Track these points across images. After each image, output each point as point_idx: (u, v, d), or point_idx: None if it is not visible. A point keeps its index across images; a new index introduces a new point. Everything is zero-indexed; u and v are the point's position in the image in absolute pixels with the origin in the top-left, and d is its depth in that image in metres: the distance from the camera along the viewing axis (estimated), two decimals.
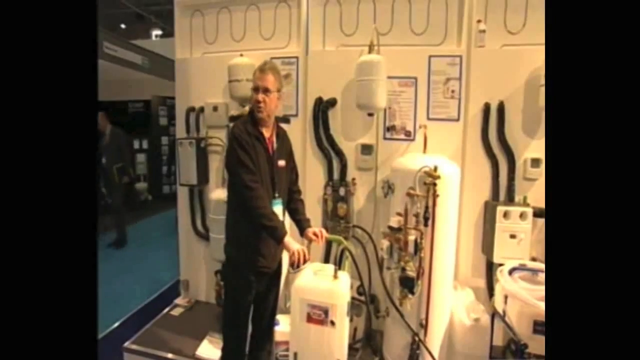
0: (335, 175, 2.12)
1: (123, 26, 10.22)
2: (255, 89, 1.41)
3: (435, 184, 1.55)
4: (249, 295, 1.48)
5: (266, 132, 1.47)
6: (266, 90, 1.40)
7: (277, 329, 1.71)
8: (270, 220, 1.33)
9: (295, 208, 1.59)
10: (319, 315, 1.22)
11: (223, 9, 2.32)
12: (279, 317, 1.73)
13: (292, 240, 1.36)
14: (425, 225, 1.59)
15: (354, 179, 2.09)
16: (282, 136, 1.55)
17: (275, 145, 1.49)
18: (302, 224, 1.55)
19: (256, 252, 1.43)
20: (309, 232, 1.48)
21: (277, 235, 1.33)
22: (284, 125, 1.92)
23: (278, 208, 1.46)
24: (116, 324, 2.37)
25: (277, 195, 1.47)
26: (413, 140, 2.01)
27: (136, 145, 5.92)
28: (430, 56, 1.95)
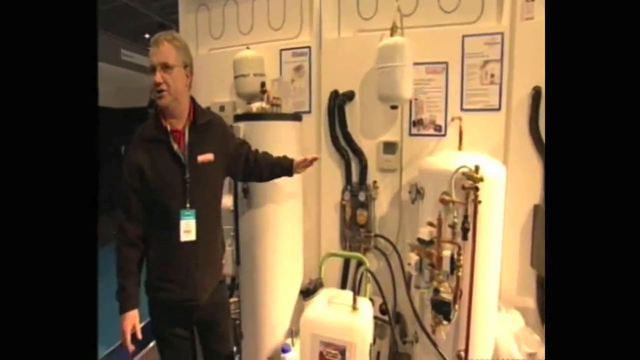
0: (354, 178, 1.88)
1: (147, 36, 10.60)
2: (152, 69, 1.14)
3: (477, 188, 1.26)
4: (175, 351, 1.25)
5: (176, 124, 1.20)
6: (165, 67, 1.12)
7: (287, 355, 1.49)
8: (123, 280, 1.15)
9: (268, 162, 1.44)
10: (334, 356, 0.99)
11: (229, 1, 2.16)
12: (289, 342, 1.52)
13: (132, 318, 1.16)
14: (464, 238, 1.30)
15: (375, 182, 1.84)
16: (205, 125, 1.26)
17: (188, 138, 1.20)
18: (284, 162, 1.43)
19: (169, 281, 1.18)
20: (298, 161, 1.41)
21: (120, 296, 1.15)
22: (290, 123, 1.72)
23: (189, 221, 1.18)
24: (115, 345, 2.26)
25: (188, 205, 1.18)
26: (444, 135, 1.74)
27: None
28: (464, 36, 1.66)
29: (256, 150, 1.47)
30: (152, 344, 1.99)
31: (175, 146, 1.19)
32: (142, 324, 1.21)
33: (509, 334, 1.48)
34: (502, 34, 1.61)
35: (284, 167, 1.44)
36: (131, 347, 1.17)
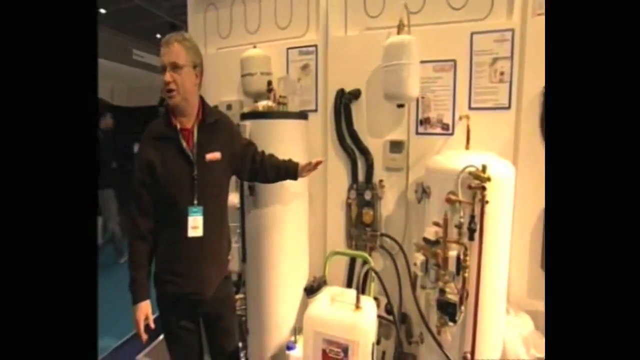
0: (361, 177, 1.87)
1: (158, 36, 10.75)
2: (162, 69, 1.17)
3: (484, 188, 1.24)
4: (182, 344, 1.28)
5: (186, 123, 1.23)
6: (175, 67, 1.15)
7: (292, 352, 1.50)
8: (134, 273, 1.17)
9: (274, 164, 1.45)
10: (337, 354, 0.99)
11: (237, 0, 2.17)
12: (293, 339, 1.52)
13: (144, 308, 1.18)
14: (471, 238, 1.28)
15: (381, 181, 1.83)
16: (213, 124, 1.28)
17: (196, 137, 1.23)
18: (290, 166, 1.43)
19: (175, 275, 1.21)
20: (303, 165, 1.42)
21: (132, 288, 1.17)
22: (296, 121, 1.72)
23: (196, 217, 1.21)
24: (128, 336, 2.31)
25: (195, 202, 1.20)
26: (452, 134, 1.71)
27: None
28: (472, 33, 1.63)
29: (262, 152, 1.48)
30: (161, 337, 2.03)
31: (184, 144, 1.22)
32: (155, 315, 1.25)
33: (518, 337, 1.45)
34: (512, 30, 1.57)
35: (289, 171, 1.45)
36: (144, 337, 1.20)
